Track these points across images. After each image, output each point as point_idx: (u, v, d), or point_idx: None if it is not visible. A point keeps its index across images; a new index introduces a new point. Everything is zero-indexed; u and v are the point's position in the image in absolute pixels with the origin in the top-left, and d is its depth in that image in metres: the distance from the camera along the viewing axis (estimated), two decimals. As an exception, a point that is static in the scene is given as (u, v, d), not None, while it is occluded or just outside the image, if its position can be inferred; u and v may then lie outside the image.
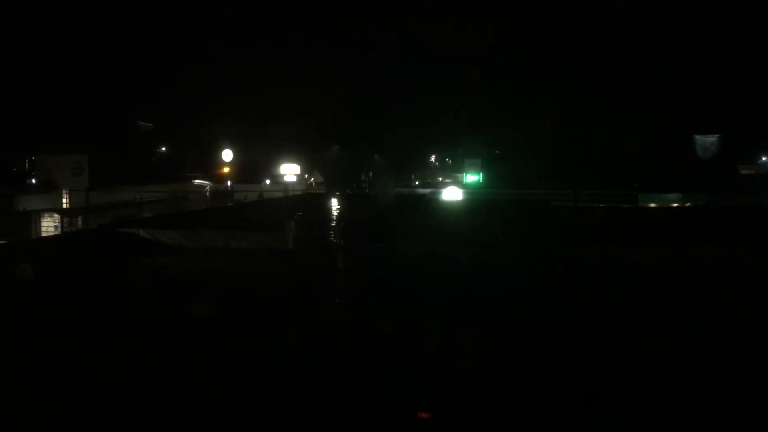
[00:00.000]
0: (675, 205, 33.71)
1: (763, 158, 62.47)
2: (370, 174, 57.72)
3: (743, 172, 52.81)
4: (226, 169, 46.84)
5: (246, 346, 10.21)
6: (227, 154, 45.99)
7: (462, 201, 36.59)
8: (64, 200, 31.41)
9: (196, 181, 50.13)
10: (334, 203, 32.82)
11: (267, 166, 56.57)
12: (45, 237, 26.44)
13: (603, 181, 36.90)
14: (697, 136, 48.36)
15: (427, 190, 42.60)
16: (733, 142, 48.43)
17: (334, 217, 26.02)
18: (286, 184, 50.78)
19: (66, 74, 48.30)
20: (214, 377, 8.83)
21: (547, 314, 12.20)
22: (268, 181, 54.35)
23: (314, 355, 9.82)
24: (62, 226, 29.73)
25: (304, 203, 30.33)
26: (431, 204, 33.24)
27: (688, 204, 33.19)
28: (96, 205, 31.39)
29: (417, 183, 58.70)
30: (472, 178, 47.68)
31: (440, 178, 65.28)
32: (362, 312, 12.71)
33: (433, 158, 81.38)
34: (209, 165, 52.03)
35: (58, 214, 30.70)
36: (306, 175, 57.72)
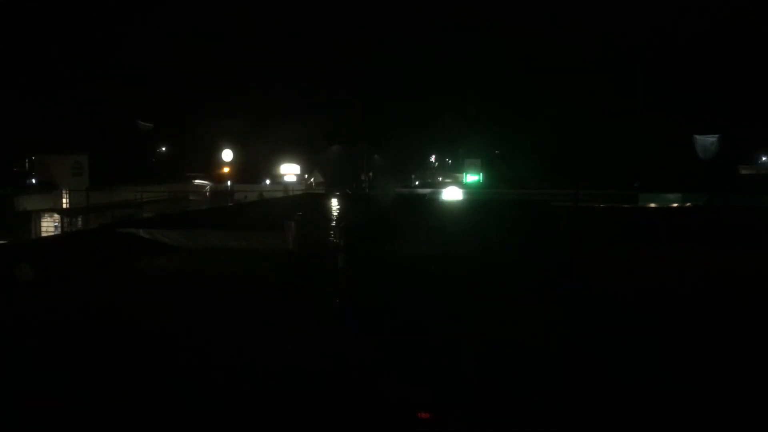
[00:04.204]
0: (675, 205, 33.69)
1: (763, 158, 62.39)
2: (370, 174, 57.69)
3: (743, 172, 52.78)
4: (226, 169, 46.80)
5: (246, 347, 10.22)
6: (227, 154, 45.95)
7: (462, 201, 36.56)
8: (64, 200, 31.36)
9: (196, 181, 50.12)
10: (334, 203, 32.82)
11: (267, 166, 56.54)
12: (45, 237, 26.41)
13: (603, 181, 36.88)
14: (697, 136, 48.37)
15: (427, 190, 42.56)
16: (733, 142, 48.44)
17: (334, 217, 26.02)
18: (286, 184, 50.74)
19: (66, 74, 48.30)
20: (213, 378, 8.83)
21: (547, 314, 12.20)
22: (268, 181, 54.34)
23: (314, 355, 9.82)
24: (62, 226, 29.71)
25: (304, 203, 30.34)
26: (431, 204, 33.23)
27: (688, 204, 33.17)
28: (96, 205, 31.36)
29: (417, 183, 58.68)
30: (472, 178, 47.65)
31: (440, 178, 65.24)
32: (362, 312, 12.71)
33: (433, 158, 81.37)
34: (209, 165, 51.99)
35: (58, 214, 30.68)
36: (306, 175, 57.68)
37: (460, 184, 48.47)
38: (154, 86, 53.73)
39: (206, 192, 45.60)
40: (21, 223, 27.47)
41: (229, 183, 45.54)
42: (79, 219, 30.37)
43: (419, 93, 60.17)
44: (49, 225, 30.00)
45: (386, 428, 7.37)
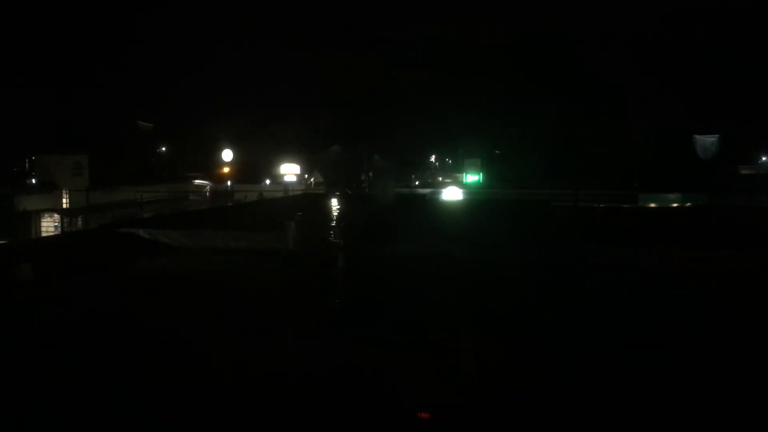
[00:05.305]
0: (675, 205, 33.69)
1: (763, 158, 62.41)
2: (370, 174, 57.66)
3: (743, 172, 52.79)
4: (226, 169, 46.79)
5: (246, 347, 10.21)
6: (227, 154, 45.95)
7: (462, 201, 36.56)
8: (64, 200, 31.36)
9: (196, 181, 50.11)
10: (334, 203, 32.85)
11: (267, 166, 56.47)
12: (45, 237, 26.42)
13: (603, 181, 36.86)
14: (697, 136, 48.34)
15: (427, 190, 42.56)
16: (733, 142, 48.44)
17: (334, 217, 26.04)
18: (286, 184, 50.71)
19: (66, 74, 48.27)
20: (213, 377, 8.83)
21: (547, 314, 12.20)
22: (268, 181, 54.31)
23: (314, 354, 9.82)
24: (62, 226, 29.71)
25: (304, 203, 30.35)
26: (431, 204, 33.25)
27: (688, 204, 33.17)
28: (96, 205, 31.34)
29: (417, 183, 58.63)
30: (472, 178, 47.62)
31: (440, 178, 65.20)
32: (362, 311, 12.71)
33: (433, 158, 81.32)
34: (209, 165, 51.97)
35: (58, 214, 30.67)
36: (306, 175, 57.63)
37: (460, 184, 48.45)
38: (154, 86, 53.73)
39: (206, 192, 45.62)
40: (21, 223, 27.46)
41: (229, 183, 45.53)
42: (79, 219, 30.36)
43: (420, 93, 60.10)
44: (49, 225, 30.00)
45: (387, 428, 7.37)
